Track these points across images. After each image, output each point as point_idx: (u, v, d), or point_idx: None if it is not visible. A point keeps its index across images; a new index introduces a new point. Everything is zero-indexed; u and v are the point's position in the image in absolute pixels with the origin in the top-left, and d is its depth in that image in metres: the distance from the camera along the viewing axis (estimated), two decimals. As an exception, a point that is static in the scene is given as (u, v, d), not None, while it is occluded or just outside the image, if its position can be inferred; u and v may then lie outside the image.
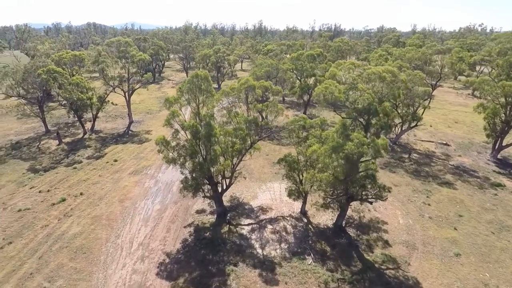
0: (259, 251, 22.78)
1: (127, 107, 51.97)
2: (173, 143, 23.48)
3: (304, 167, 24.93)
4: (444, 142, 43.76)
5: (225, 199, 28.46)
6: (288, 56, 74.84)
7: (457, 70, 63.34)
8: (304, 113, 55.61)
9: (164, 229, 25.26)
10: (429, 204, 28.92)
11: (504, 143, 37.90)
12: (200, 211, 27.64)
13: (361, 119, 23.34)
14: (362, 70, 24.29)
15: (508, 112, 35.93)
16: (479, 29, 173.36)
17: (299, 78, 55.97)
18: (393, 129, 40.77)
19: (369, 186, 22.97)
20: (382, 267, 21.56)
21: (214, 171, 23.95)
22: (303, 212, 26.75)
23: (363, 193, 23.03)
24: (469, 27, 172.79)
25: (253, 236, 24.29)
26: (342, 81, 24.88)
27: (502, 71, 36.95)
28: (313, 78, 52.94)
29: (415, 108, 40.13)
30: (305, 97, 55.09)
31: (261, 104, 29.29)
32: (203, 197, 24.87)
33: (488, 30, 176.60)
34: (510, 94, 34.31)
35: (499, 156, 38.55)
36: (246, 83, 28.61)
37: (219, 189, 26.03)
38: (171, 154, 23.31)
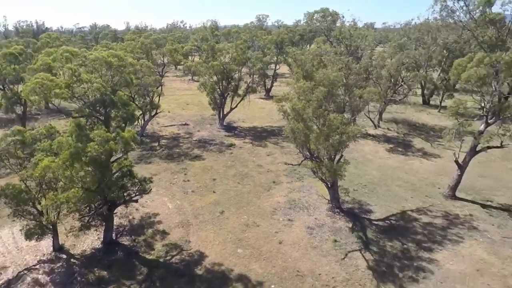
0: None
1: None
2: None
3: (40, 193, 19.12)
4: (184, 123, 48.39)
5: None
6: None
7: (175, 60, 71.14)
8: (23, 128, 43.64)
9: None
10: (188, 180, 31.01)
11: (225, 112, 46.66)
12: None
13: (98, 114, 20.47)
14: (83, 58, 20.88)
15: (221, 86, 44.04)
16: (182, 25, 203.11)
17: (1, 86, 42.58)
18: (137, 121, 40.19)
19: (129, 185, 21.03)
20: (168, 258, 20.90)
21: None
22: (58, 248, 20.90)
23: (125, 194, 20.84)
24: (174, 24, 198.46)
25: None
26: (60, 74, 20.46)
27: (208, 54, 44.63)
28: (22, 84, 41.74)
29: (151, 97, 41.07)
30: (19, 109, 43.07)
31: None
32: None
33: (188, 27, 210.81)
34: (219, 72, 41.94)
35: (224, 123, 47.30)
36: None
37: None
38: None
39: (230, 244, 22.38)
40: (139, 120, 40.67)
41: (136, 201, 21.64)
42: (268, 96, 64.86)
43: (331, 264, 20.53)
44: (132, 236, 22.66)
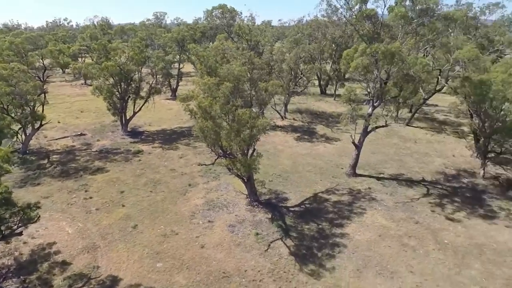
0: None
1: None
2: None
3: None
4: (80, 133, 42.54)
5: None
6: None
7: (61, 62, 62.03)
8: None
9: None
10: (91, 197, 27.24)
11: (127, 117, 42.70)
12: None
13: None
14: None
15: (120, 89, 40.00)
16: (65, 23, 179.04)
17: None
18: (15, 137, 33.52)
19: (7, 216, 17.13)
20: (72, 292, 17.83)
21: None
22: None
23: (3, 228, 16.89)
24: (56, 22, 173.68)
25: None
26: None
27: (100, 54, 39.94)
28: None
29: (32, 107, 34.69)
30: None
31: None
32: None
33: (74, 25, 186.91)
34: (116, 73, 37.92)
35: (128, 129, 43.30)
36: None
37: None
38: None
39: (147, 259, 20.39)
40: (19, 135, 34.13)
41: (20, 233, 17.80)
42: (174, 96, 62.09)
43: (256, 258, 20.54)
44: (21, 277, 18.63)
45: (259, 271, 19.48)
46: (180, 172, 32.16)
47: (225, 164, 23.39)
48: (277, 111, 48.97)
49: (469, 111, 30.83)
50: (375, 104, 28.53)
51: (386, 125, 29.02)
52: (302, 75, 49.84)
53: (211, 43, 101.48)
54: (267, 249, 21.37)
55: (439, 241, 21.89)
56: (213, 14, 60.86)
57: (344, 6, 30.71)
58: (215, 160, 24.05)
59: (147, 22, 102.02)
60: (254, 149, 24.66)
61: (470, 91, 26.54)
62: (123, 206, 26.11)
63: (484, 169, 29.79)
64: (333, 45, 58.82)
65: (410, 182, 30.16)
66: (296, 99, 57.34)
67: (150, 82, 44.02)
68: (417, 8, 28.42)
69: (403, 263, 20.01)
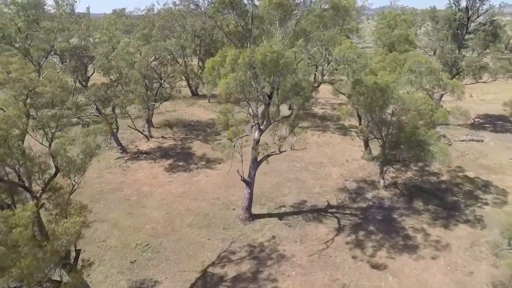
0: None
1: None
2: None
3: None
4: None
5: None
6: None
7: None
8: None
9: None
10: None
11: None
12: None
13: None
14: None
15: None
16: None
17: None
18: None
19: None
20: None
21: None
22: None
23: None
24: None
25: None
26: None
27: None
28: None
29: None
30: None
31: None
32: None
33: None
34: None
35: None
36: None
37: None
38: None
39: None
40: None
41: None
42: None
43: None
44: None
45: None
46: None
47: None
48: (138, 130, 37.33)
49: (358, 115, 27.05)
50: (262, 127, 21.06)
51: (280, 152, 22.07)
52: (163, 81, 39.01)
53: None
54: None
55: (377, 315, 16.35)
56: None
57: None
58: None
59: None
60: (77, 251, 13.90)
61: (365, 96, 21.81)
62: None
63: (383, 179, 26.64)
64: (196, 38, 49.47)
65: (317, 213, 24.48)
66: (163, 105, 46.19)
67: None
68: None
69: None
